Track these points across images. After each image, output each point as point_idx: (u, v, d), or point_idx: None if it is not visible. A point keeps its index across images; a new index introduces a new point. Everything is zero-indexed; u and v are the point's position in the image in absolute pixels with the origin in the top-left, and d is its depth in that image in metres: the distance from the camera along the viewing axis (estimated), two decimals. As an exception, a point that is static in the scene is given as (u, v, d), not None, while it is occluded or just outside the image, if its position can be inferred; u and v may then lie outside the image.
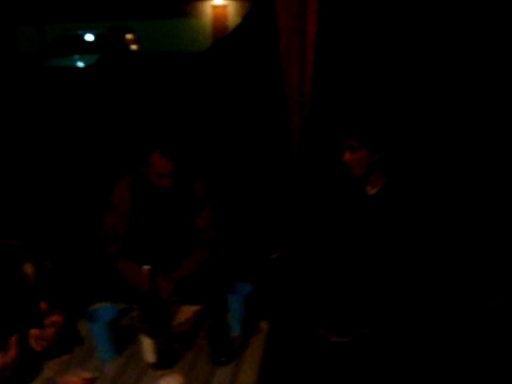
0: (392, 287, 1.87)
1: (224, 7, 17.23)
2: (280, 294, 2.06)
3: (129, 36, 11.98)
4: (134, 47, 12.16)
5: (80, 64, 9.94)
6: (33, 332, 1.39)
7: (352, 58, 2.48)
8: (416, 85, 2.39)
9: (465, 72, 2.28)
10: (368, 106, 2.26)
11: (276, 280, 2.15)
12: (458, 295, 1.82)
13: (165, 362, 1.42)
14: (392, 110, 2.32)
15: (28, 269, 1.42)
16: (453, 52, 2.33)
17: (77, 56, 10.19)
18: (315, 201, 2.38)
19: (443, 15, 2.29)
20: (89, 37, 11.14)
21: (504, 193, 2.16)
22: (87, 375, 1.39)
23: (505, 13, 2.09)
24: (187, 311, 1.67)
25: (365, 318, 1.96)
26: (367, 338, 1.90)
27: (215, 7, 17.27)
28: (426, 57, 2.36)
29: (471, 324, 1.68)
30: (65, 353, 1.49)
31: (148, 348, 1.40)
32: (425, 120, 2.41)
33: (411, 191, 1.90)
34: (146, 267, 1.36)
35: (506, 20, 2.11)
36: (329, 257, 2.09)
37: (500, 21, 2.13)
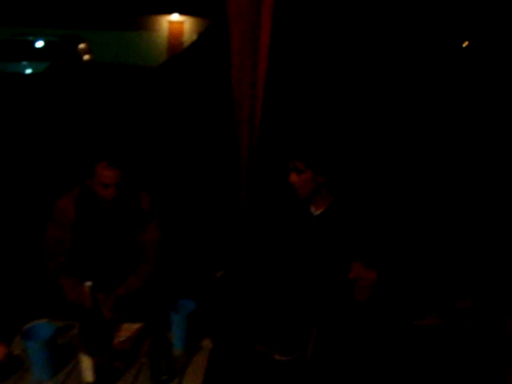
0: (334, 306, 1.91)
1: (180, 23, 17.28)
2: (224, 312, 2.06)
3: (82, 46, 11.74)
4: (86, 57, 11.91)
5: (28, 71, 9.61)
6: None
7: (300, 85, 2.56)
8: (358, 111, 2.50)
9: (406, 103, 2.42)
10: (314, 130, 2.34)
11: (220, 298, 2.15)
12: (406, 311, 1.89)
13: (104, 382, 1.39)
14: (337, 134, 2.41)
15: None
16: (396, 79, 2.47)
17: (25, 63, 9.85)
18: (261, 220, 2.42)
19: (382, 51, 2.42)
20: (39, 44, 10.82)
21: (446, 208, 2.26)
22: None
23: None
24: (129, 329, 1.64)
25: (307, 336, 1.99)
26: (309, 357, 1.93)
27: (171, 22, 17.28)
28: (369, 86, 2.48)
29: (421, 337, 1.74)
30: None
31: (86, 366, 1.37)
32: (369, 144, 2.52)
33: (354, 212, 1.97)
34: (88, 283, 1.34)
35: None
36: (272, 275, 2.12)
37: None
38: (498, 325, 1.44)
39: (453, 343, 1.21)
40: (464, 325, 1.26)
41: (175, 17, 17.21)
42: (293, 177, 1.97)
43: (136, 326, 1.66)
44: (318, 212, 2.04)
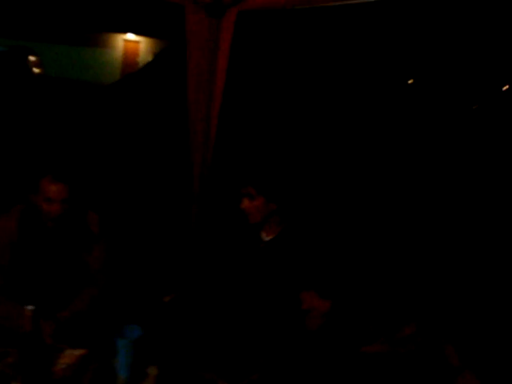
0: (283, 334, 1.91)
1: (136, 42, 17.21)
2: (170, 338, 2.01)
3: (32, 58, 11.41)
4: (36, 70, 11.57)
5: (-28, 80, 9.21)
6: None
7: (255, 111, 2.61)
8: (310, 142, 2.57)
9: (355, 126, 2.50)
10: (267, 156, 2.37)
11: (167, 323, 2.10)
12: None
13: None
14: (289, 162, 2.46)
15: None
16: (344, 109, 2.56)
17: (-31, 72, 9.45)
18: (211, 245, 2.41)
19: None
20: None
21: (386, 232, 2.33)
22: None
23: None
24: (70, 356, 1.56)
25: (254, 364, 1.98)
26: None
27: (127, 41, 17.17)
28: (321, 116, 2.56)
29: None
30: None
31: (22, 397, 1.28)
32: (320, 174, 2.58)
33: (303, 239, 2.00)
34: (29, 307, 1.27)
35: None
36: (222, 301, 2.11)
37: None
38: (438, 352, 1.49)
39: (399, 370, 1.24)
40: (409, 352, 1.29)
41: (131, 36, 17.13)
42: (245, 203, 1.99)
43: (78, 352, 1.58)
44: (268, 238, 2.06)
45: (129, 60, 16.74)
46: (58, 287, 1.99)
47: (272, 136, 2.59)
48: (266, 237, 2.07)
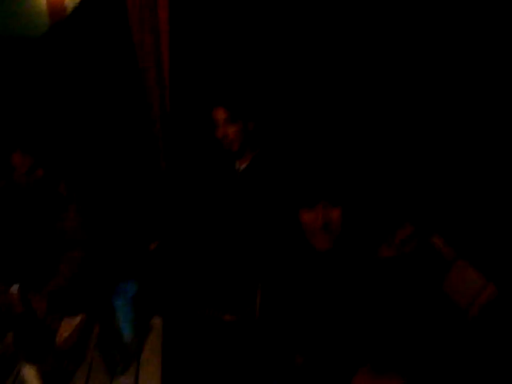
0: (278, 258, 1.91)
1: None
2: (167, 285, 2.00)
3: None
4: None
5: None
6: None
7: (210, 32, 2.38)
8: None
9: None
10: (232, 76, 2.21)
11: (159, 270, 2.07)
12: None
13: (54, 387, 1.29)
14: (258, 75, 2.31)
15: None
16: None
17: None
18: (186, 185, 2.34)
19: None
20: None
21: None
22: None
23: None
24: (70, 324, 1.52)
25: (254, 292, 1.99)
26: (258, 313, 1.94)
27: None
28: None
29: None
30: None
31: (30, 376, 1.24)
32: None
33: (276, 165, 1.94)
34: (14, 287, 1.20)
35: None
36: (208, 237, 2.08)
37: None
38: (433, 247, 1.52)
39: (408, 270, 1.24)
40: (412, 251, 1.30)
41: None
42: (226, 130, 1.88)
43: (77, 319, 1.54)
44: (243, 166, 2.00)
45: (55, 4, 15.38)
46: (39, 257, 1.92)
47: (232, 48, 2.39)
48: (241, 165, 2.00)
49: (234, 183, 2.02)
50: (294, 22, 2.27)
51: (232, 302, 1.97)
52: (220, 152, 2.00)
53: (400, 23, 2.01)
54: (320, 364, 1.48)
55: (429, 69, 2.01)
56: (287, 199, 1.35)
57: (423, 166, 2.03)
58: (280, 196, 1.83)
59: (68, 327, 1.50)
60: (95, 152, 2.49)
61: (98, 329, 1.38)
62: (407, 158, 2.08)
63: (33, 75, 2.51)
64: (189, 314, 1.96)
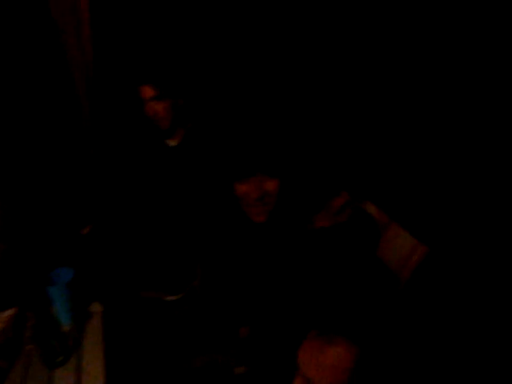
0: (214, 231, 1.90)
1: None
2: (103, 269, 1.93)
3: None
4: None
5: None
6: None
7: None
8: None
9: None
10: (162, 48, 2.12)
11: (94, 255, 2.00)
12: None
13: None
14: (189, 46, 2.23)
15: None
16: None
17: None
18: (118, 165, 2.25)
19: None
20: None
21: None
22: None
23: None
24: (0, 319, 1.43)
25: (193, 269, 1.98)
26: (199, 290, 1.94)
27: None
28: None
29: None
30: None
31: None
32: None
33: (208, 139, 1.91)
34: None
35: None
36: (143, 218, 2.03)
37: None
38: (367, 214, 1.57)
39: (343, 239, 1.27)
40: (347, 219, 1.33)
41: None
42: (155, 107, 1.80)
43: (7, 313, 1.44)
44: (175, 143, 1.95)
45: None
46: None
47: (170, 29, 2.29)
48: (172, 142, 1.95)
49: (167, 161, 1.97)
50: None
51: (172, 281, 1.95)
52: (150, 130, 1.93)
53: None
54: (265, 334, 1.51)
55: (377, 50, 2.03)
56: (221, 173, 1.33)
57: (354, 135, 2.08)
58: (214, 170, 1.81)
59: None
60: (13, 137, 2.30)
61: (34, 321, 1.30)
62: (340, 127, 2.12)
63: None
64: (129, 297, 1.91)
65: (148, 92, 1.78)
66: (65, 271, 1.46)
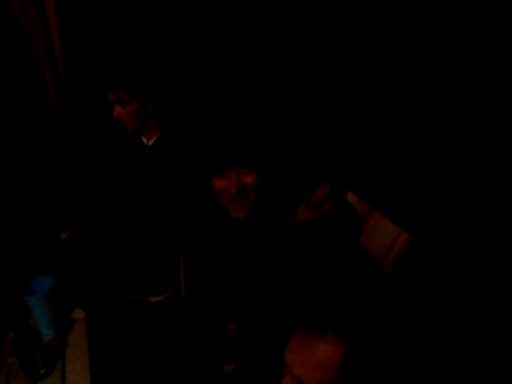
0: (197, 229, 1.88)
1: None
2: (84, 274, 1.89)
3: None
4: None
5: None
6: None
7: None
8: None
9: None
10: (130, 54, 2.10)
11: (74, 260, 1.96)
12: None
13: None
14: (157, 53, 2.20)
15: None
16: None
17: None
18: (94, 165, 2.22)
19: None
20: None
21: None
22: None
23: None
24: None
25: (176, 270, 1.97)
26: (184, 290, 1.92)
27: None
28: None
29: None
30: None
31: None
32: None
33: (184, 136, 1.90)
34: None
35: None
36: (122, 219, 2.01)
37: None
38: (349, 205, 1.57)
39: (325, 231, 1.26)
40: (329, 211, 1.31)
41: None
42: (118, 111, 1.80)
43: (-15, 326, 1.40)
44: (152, 142, 1.94)
45: None
46: None
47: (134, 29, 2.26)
48: (149, 141, 1.95)
49: (143, 160, 1.96)
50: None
51: (155, 282, 1.93)
52: (120, 132, 1.93)
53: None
54: (253, 330, 1.50)
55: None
56: (199, 169, 1.31)
57: (332, 124, 2.06)
58: (191, 167, 1.80)
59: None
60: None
61: (13, 333, 1.26)
62: (316, 117, 2.11)
63: None
64: (112, 301, 1.88)
65: (112, 96, 1.80)
66: (45, 279, 1.42)
